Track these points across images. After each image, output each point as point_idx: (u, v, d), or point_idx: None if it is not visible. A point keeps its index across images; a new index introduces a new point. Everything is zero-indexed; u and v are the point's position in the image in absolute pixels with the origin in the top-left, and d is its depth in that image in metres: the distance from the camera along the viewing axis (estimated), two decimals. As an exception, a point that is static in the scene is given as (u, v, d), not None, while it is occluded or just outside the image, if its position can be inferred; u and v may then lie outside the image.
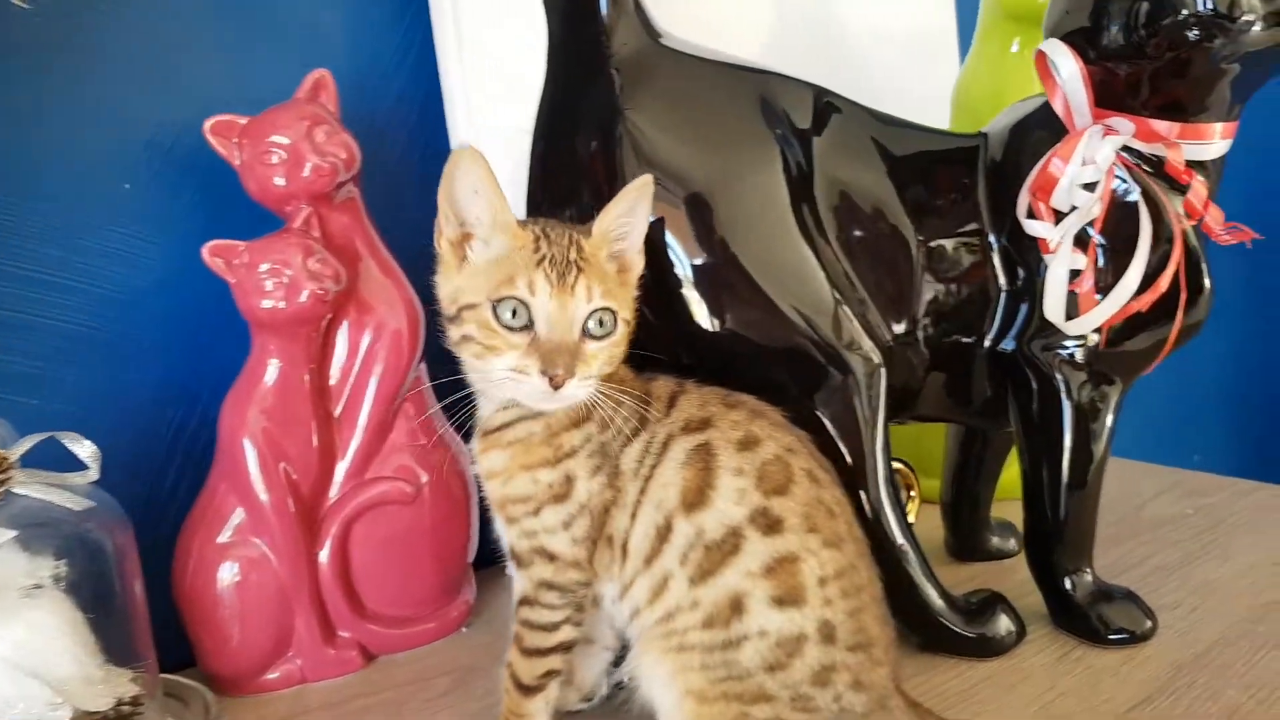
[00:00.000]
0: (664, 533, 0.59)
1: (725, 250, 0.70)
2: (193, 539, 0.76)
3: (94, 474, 0.67)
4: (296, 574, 0.77)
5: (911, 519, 0.91)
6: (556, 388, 0.57)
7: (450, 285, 0.62)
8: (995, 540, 0.91)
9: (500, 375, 0.59)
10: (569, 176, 0.73)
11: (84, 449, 0.67)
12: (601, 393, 0.60)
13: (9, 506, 0.63)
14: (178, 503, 0.81)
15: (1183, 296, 0.69)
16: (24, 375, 0.76)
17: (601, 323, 0.60)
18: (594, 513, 0.61)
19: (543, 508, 0.61)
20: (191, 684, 0.75)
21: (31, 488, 0.64)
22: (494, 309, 0.58)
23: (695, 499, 0.59)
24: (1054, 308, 0.69)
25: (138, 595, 0.70)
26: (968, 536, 0.91)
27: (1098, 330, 0.72)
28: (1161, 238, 0.68)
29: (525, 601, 0.63)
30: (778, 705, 0.57)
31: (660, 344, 0.69)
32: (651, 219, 0.65)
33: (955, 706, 0.68)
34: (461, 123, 0.89)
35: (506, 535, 0.64)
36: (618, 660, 0.71)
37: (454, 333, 0.61)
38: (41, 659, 0.63)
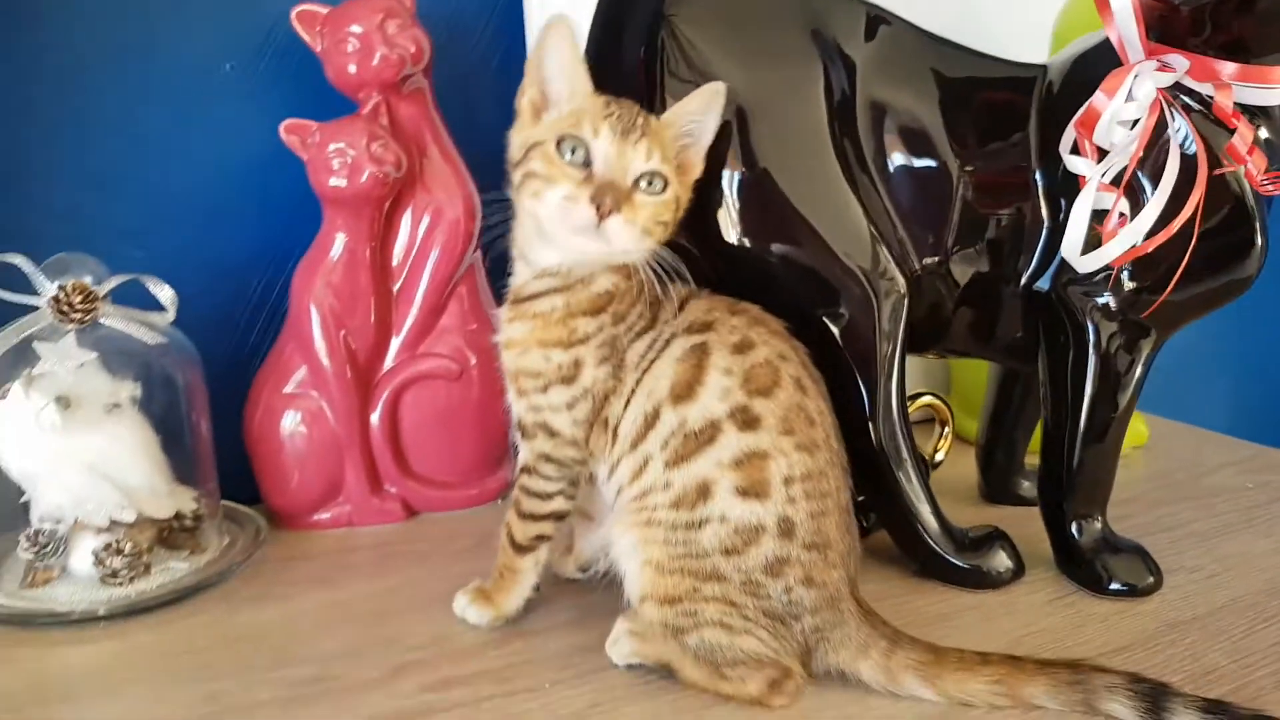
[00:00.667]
0: (651, 420, 0.63)
1: (759, 167, 0.71)
2: (262, 388, 0.86)
3: (170, 315, 0.77)
4: (349, 429, 0.85)
5: (942, 455, 0.91)
6: (602, 218, 0.61)
7: (522, 136, 0.66)
8: (1027, 486, 0.90)
9: (553, 205, 0.62)
10: (615, 82, 0.75)
11: (164, 293, 0.77)
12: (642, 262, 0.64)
13: (95, 333, 0.74)
14: (259, 358, 0.91)
15: (1193, 242, 0.66)
16: (129, 228, 0.86)
17: (652, 183, 0.63)
18: (596, 398, 0.65)
19: (551, 386, 0.66)
20: (247, 510, 0.86)
21: (116, 320, 0.75)
22: (558, 144, 0.63)
23: (683, 392, 0.62)
24: (1070, 244, 0.68)
25: (204, 428, 0.80)
26: (999, 480, 0.90)
27: (1139, 281, 0.70)
28: (1189, 184, 0.65)
29: (526, 470, 0.69)
30: (728, 586, 0.60)
31: (689, 254, 0.72)
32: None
33: (928, 627, 0.69)
34: (538, 25, 0.93)
35: (516, 407, 0.69)
36: None
37: (518, 175, 0.65)
38: (116, 467, 0.74)
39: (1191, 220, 0.64)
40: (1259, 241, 0.70)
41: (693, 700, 0.62)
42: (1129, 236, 0.65)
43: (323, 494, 0.87)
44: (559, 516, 0.69)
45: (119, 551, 0.74)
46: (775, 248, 0.72)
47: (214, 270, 0.90)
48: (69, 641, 0.70)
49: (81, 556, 0.75)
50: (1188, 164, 0.66)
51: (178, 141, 0.87)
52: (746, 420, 0.61)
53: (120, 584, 0.74)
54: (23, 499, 0.76)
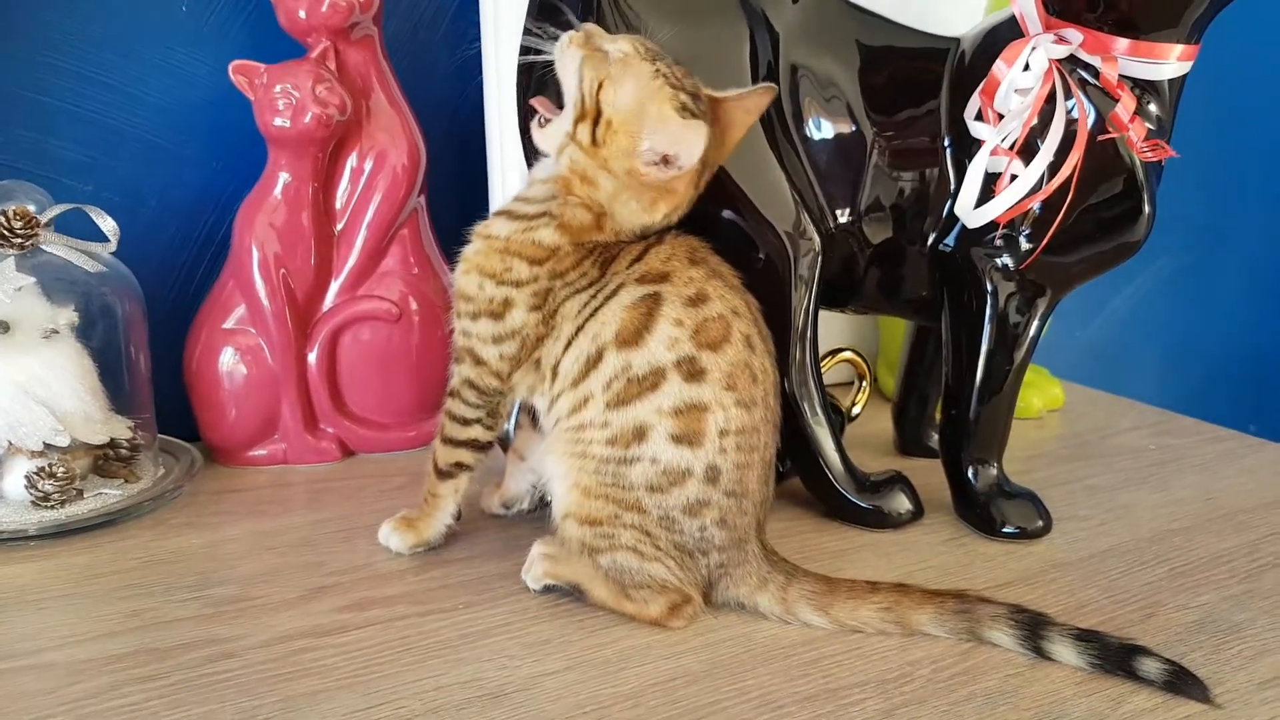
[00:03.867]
0: (594, 361, 0.65)
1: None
2: (202, 324, 0.88)
3: (113, 246, 0.79)
4: (286, 367, 0.88)
5: (859, 409, 0.95)
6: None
7: None
8: (936, 438, 0.94)
9: None
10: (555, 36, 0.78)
11: (106, 223, 0.79)
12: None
13: (35, 259, 0.76)
14: (204, 297, 0.93)
15: (1068, 199, 0.70)
16: (77, 162, 0.88)
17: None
18: (527, 341, 0.68)
19: (480, 316, 0.68)
20: (182, 444, 0.88)
21: (56, 247, 0.76)
22: None
23: (630, 338, 0.64)
24: (963, 201, 0.72)
25: (142, 361, 0.82)
26: (911, 432, 0.95)
27: (1034, 243, 0.74)
28: (1075, 145, 0.69)
29: (451, 394, 0.72)
30: (646, 519, 0.64)
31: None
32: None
33: (828, 561, 0.73)
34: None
35: (453, 327, 0.71)
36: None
37: None
38: (51, 392, 0.76)
39: (1069, 180, 0.68)
40: (1146, 209, 0.74)
41: (598, 620, 0.65)
42: (1012, 194, 0.69)
43: (258, 431, 0.89)
44: (478, 445, 0.72)
45: (51, 475, 0.76)
46: (702, 206, 0.75)
47: (161, 209, 0.92)
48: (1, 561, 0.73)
49: (14, 480, 0.77)
50: (1072, 130, 0.70)
51: (129, 80, 0.89)
52: (692, 372, 0.63)
53: (51, 507, 0.76)
54: (-41, 423, 0.78)
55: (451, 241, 0.72)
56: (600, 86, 0.65)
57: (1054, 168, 0.70)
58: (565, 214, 0.67)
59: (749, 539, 0.66)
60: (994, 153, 0.73)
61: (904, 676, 0.60)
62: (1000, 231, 0.75)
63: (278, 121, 0.82)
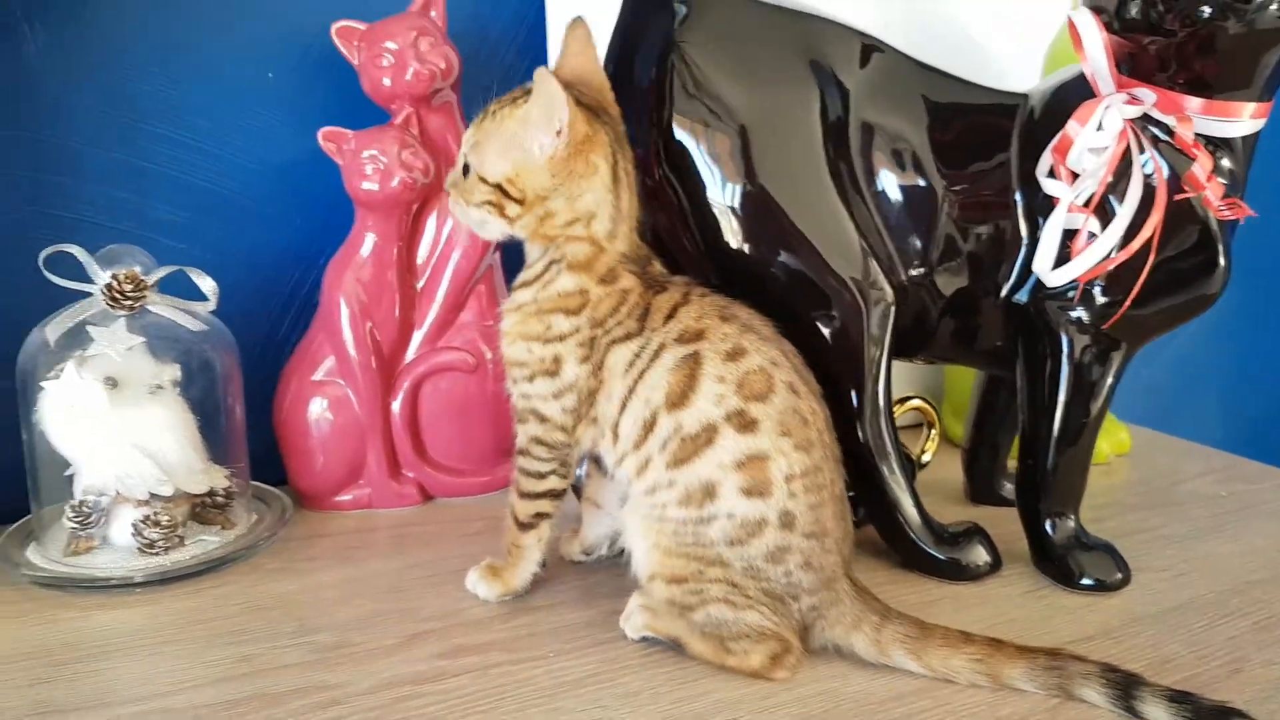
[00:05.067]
0: (649, 425, 0.68)
1: (758, 182, 0.76)
2: (291, 376, 0.92)
3: (212, 305, 0.83)
4: (372, 416, 0.91)
5: (929, 457, 0.96)
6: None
7: None
8: (1009, 487, 0.94)
9: None
10: (628, 100, 0.81)
11: (205, 283, 0.82)
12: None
13: (142, 319, 0.80)
14: (288, 349, 0.97)
15: (1150, 259, 0.71)
16: (171, 222, 0.93)
17: (466, 169, 0.71)
18: (582, 394, 0.71)
19: (536, 376, 0.72)
20: (272, 490, 0.91)
21: (162, 307, 0.80)
22: None
23: (678, 400, 0.67)
24: (1041, 259, 0.73)
25: (238, 412, 0.86)
26: (983, 481, 0.95)
27: (1110, 297, 0.75)
28: (1149, 207, 0.71)
29: (521, 453, 0.74)
30: (730, 570, 0.66)
31: (689, 258, 0.78)
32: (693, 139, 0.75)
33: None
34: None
35: (511, 394, 0.74)
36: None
37: None
38: (156, 444, 0.80)
39: (1149, 240, 0.70)
40: (1221, 262, 0.75)
41: (687, 671, 0.67)
42: (1094, 254, 0.71)
43: (344, 477, 0.92)
44: (555, 494, 0.75)
45: (156, 523, 0.79)
46: (772, 257, 0.77)
47: (248, 266, 0.96)
48: (108, 606, 0.76)
49: (121, 528, 0.80)
50: (1150, 189, 0.72)
51: (219, 144, 0.94)
52: (744, 423, 0.65)
53: (156, 554, 0.79)
54: (67, 473, 0.82)
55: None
56: (481, 180, 0.71)
57: (1132, 225, 0.72)
58: (566, 254, 0.71)
59: (837, 578, 0.67)
60: (1070, 209, 0.74)
61: (995, 731, 0.61)
62: (1079, 290, 0.76)
63: (366, 185, 0.86)
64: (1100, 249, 0.71)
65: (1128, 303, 0.74)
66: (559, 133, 0.67)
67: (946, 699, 0.64)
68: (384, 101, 0.89)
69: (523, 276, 0.74)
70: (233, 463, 0.85)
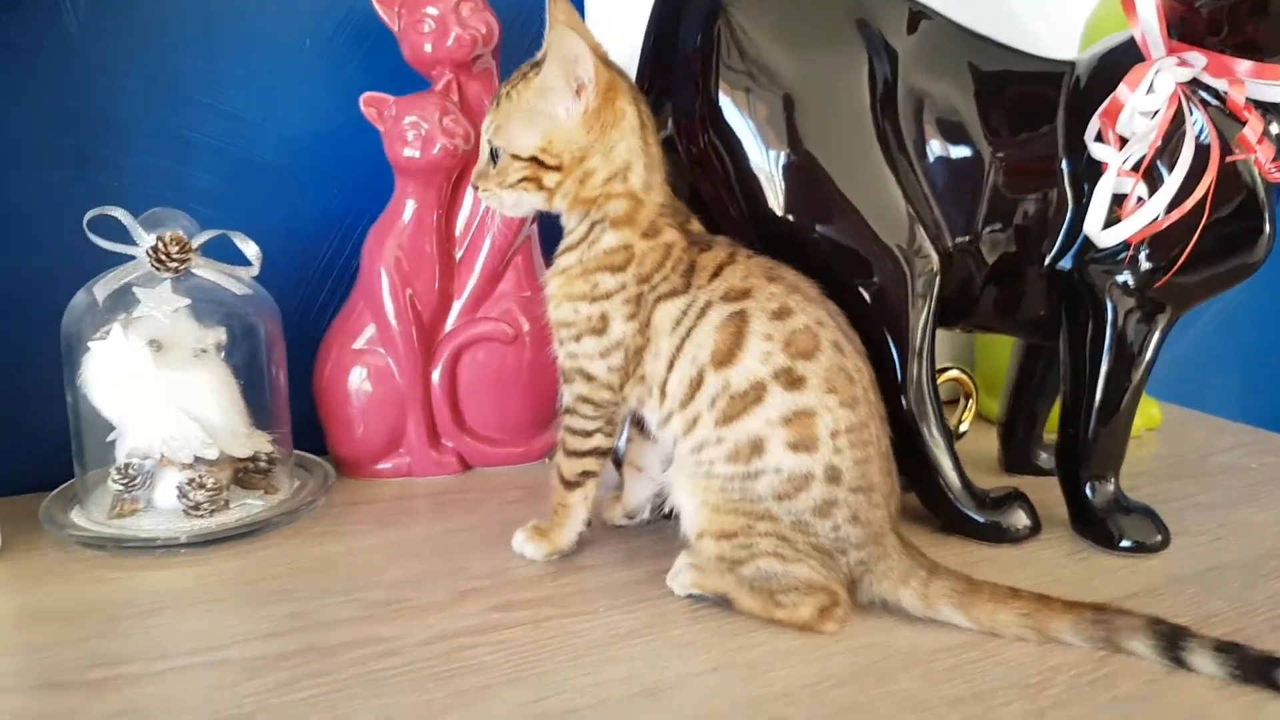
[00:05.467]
0: (696, 383, 0.69)
1: (805, 148, 0.76)
2: (332, 344, 0.92)
3: (255, 270, 0.83)
4: (412, 385, 0.92)
5: (965, 426, 0.97)
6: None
7: None
8: (1045, 458, 0.95)
9: None
10: (672, 67, 0.82)
11: (249, 248, 0.83)
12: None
13: (188, 282, 0.80)
14: (326, 317, 0.97)
15: (1203, 222, 0.72)
16: (209, 191, 0.93)
17: (496, 154, 0.73)
18: (629, 351, 0.72)
19: (583, 335, 0.72)
20: (313, 457, 0.92)
21: (206, 271, 0.81)
22: None
23: (725, 358, 0.68)
24: (1092, 222, 0.74)
25: (281, 377, 0.86)
26: (1019, 451, 0.96)
27: (1155, 262, 0.76)
28: (1202, 169, 0.71)
29: (568, 411, 0.75)
30: (779, 525, 0.66)
31: (734, 225, 0.78)
32: (738, 106, 0.75)
33: (950, 575, 0.75)
34: (598, 9, 0.99)
35: (558, 355, 0.75)
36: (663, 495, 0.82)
37: None
38: (201, 407, 0.80)
39: (1203, 202, 0.70)
40: (1267, 229, 0.76)
41: (737, 625, 0.67)
42: (1146, 214, 0.71)
43: (385, 445, 0.93)
44: (601, 453, 0.75)
45: (201, 486, 0.80)
46: (818, 223, 0.77)
47: (286, 234, 0.96)
48: (154, 566, 0.76)
49: (165, 490, 0.81)
50: (1202, 152, 0.72)
51: (257, 112, 0.94)
52: (791, 381, 0.66)
53: (201, 516, 0.80)
54: (110, 437, 0.82)
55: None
56: (515, 158, 0.72)
57: (1183, 188, 0.72)
58: (608, 212, 0.72)
59: (885, 533, 0.68)
60: (1119, 174, 0.75)
61: (1045, 682, 0.61)
62: (1128, 252, 0.76)
63: (407, 152, 0.86)
64: (1152, 210, 0.71)
65: (1181, 261, 0.74)
66: (579, 90, 0.69)
67: (995, 650, 0.65)
68: (424, 68, 0.89)
69: (565, 243, 0.74)
70: (275, 428, 0.85)
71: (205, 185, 0.93)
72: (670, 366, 0.70)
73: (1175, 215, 0.71)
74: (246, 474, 0.85)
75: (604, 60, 0.72)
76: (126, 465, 0.80)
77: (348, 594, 0.72)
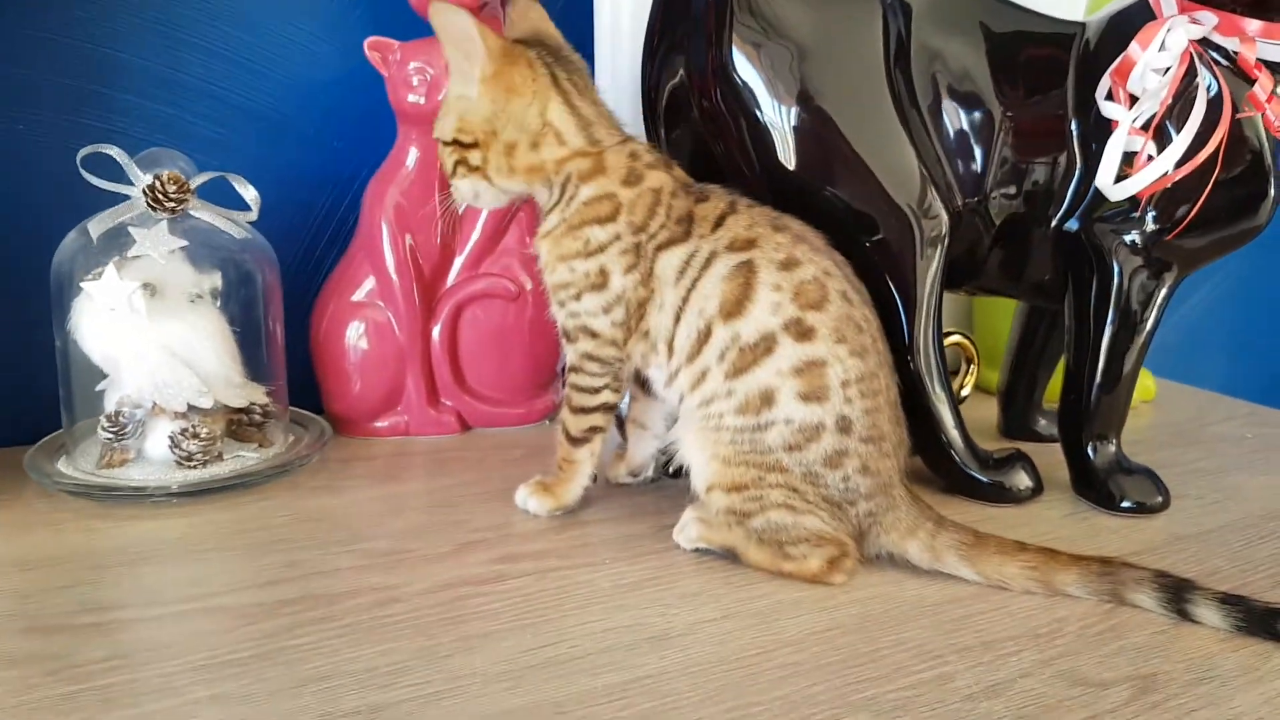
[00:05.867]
0: (704, 336, 0.68)
1: (817, 101, 0.75)
2: (330, 297, 0.90)
3: (254, 215, 0.81)
4: (412, 341, 0.90)
5: (967, 391, 0.97)
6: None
7: None
8: (1044, 424, 0.95)
9: None
10: (684, 24, 0.80)
11: (248, 192, 0.81)
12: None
13: (184, 224, 0.78)
14: (323, 272, 0.95)
15: (1212, 179, 0.72)
16: (208, 137, 0.91)
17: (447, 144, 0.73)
18: (630, 304, 0.71)
19: (583, 293, 0.71)
20: (311, 415, 0.90)
21: (204, 212, 0.79)
22: None
23: (733, 309, 0.67)
24: (1103, 176, 0.74)
25: (278, 329, 0.85)
26: (1019, 417, 0.96)
27: (1160, 218, 0.76)
28: (1213, 125, 0.71)
29: (573, 370, 0.74)
30: (790, 476, 0.66)
31: (746, 182, 0.77)
32: (750, 61, 0.74)
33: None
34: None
35: (558, 317, 0.74)
36: (668, 452, 0.82)
37: None
38: (196, 354, 0.78)
39: (1213, 158, 0.70)
40: (1272, 193, 0.76)
41: (744, 577, 0.67)
42: (1157, 169, 0.71)
43: (382, 402, 0.91)
44: (608, 408, 0.75)
45: (194, 436, 0.78)
46: (829, 180, 0.76)
47: (284, 183, 0.94)
48: (144, 516, 0.75)
49: (157, 440, 0.79)
50: (1213, 109, 0.72)
51: (256, 57, 0.92)
52: (801, 331, 0.66)
53: (194, 467, 0.78)
54: (99, 386, 0.80)
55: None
56: (442, 146, 0.73)
57: (1193, 144, 0.72)
58: (572, 172, 0.71)
59: (893, 483, 0.67)
60: (1130, 132, 0.74)
61: (1054, 632, 0.61)
62: (1138, 209, 0.76)
63: (412, 98, 0.85)
64: (1162, 164, 0.71)
65: (1189, 218, 0.74)
66: (470, 59, 0.69)
67: (1002, 603, 0.64)
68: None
69: (544, 209, 0.74)
70: (271, 381, 0.84)
71: (202, 132, 0.91)
72: (676, 319, 0.69)
73: (1186, 169, 0.71)
74: (240, 426, 0.83)
75: (525, 40, 0.73)
76: (117, 414, 0.78)
77: (348, 544, 0.71)
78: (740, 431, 0.66)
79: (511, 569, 0.68)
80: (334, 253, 0.95)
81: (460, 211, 0.85)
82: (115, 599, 0.63)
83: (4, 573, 0.66)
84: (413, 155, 0.88)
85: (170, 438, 0.78)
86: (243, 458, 0.81)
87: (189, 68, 0.90)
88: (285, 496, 0.79)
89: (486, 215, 0.91)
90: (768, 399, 0.66)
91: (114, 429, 0.78)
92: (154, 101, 0.89)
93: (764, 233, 0.69)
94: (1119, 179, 0.74)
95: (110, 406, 0.79)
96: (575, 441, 0.75)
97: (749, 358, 0.66)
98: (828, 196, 0.76)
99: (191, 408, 0.78)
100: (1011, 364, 0.96)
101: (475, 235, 0.91)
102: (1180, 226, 0.75)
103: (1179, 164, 0.72)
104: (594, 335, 0.72)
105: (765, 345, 0.66)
